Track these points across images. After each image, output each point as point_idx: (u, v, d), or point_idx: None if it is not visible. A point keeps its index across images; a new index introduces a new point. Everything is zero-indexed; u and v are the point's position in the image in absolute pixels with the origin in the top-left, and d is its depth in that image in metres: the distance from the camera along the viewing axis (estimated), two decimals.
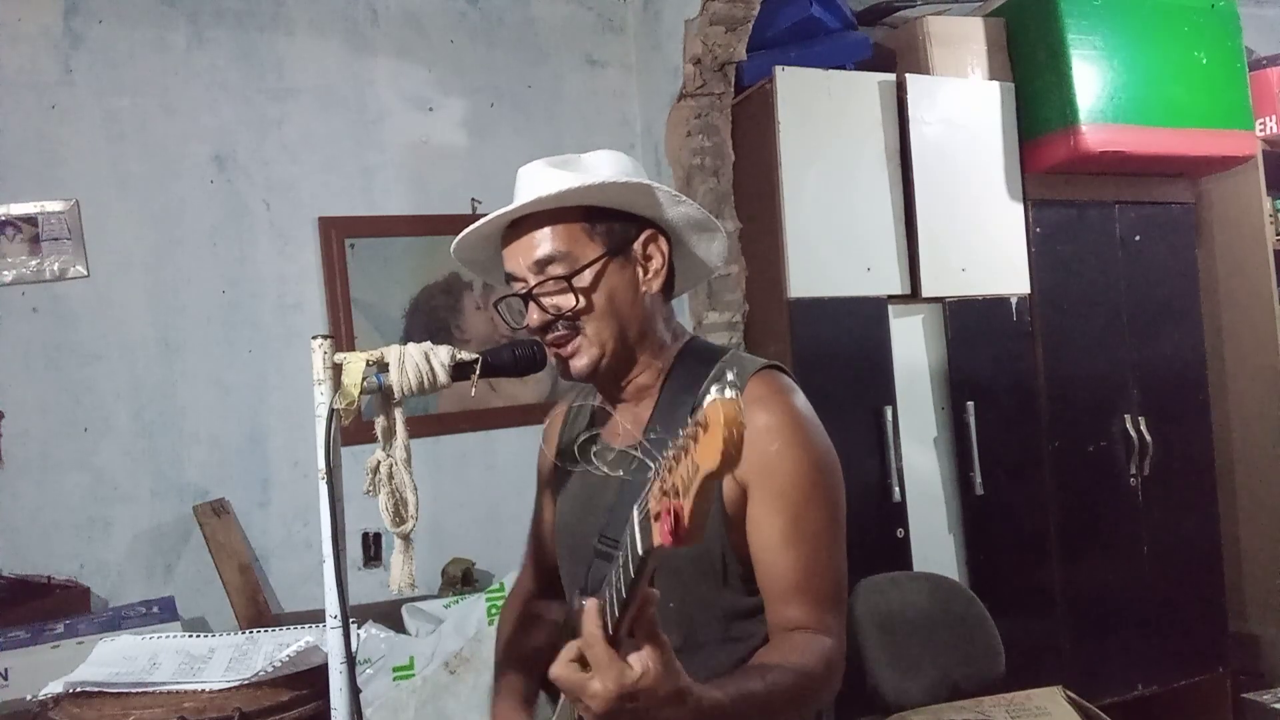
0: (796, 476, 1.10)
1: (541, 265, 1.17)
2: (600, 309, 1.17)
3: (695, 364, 1.22)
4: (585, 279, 1.16)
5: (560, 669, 0.87)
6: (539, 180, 1.17)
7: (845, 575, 1.14)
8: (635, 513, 0.78)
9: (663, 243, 1.22)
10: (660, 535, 0.72)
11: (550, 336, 1.19)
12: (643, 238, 1.20)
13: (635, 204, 1.19)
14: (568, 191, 1.13)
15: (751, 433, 1.11)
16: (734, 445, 0.65)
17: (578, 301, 1.16)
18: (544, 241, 1.17)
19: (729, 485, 1.12)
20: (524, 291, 1.19)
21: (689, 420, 0.70)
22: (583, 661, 0.86)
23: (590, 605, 0.85)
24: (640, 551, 0.77)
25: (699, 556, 1.13)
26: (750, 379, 1.16)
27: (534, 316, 1.19)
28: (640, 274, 1.20)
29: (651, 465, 0.74)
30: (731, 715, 0.93)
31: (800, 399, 1.16)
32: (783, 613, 1.09)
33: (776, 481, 1.10)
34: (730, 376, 0.72)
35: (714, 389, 0.67)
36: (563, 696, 1.08)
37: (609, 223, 1.18)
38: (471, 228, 1.22)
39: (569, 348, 1.19)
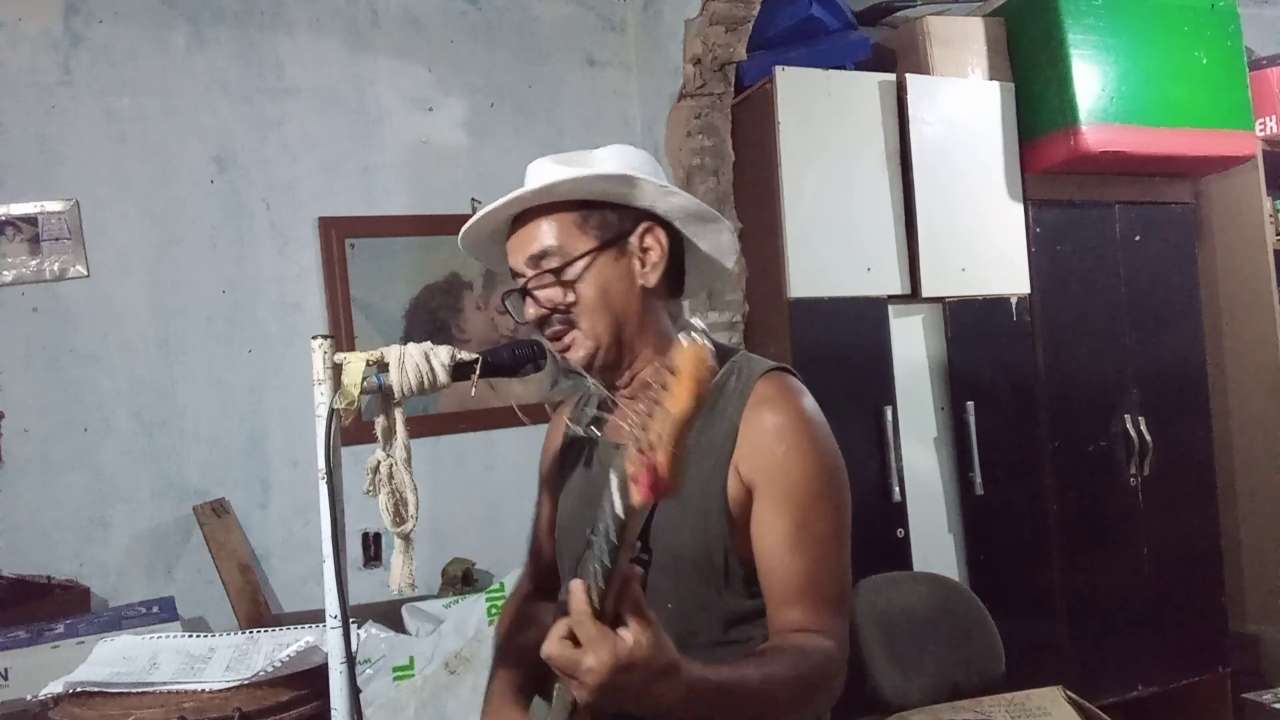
0: (804, 479, 1.09)
1: (536, 260, 1.18)
2: (592, 302, 1.17)
3: None
4: (576, 272, 1.16)
5: (553, 647, 0.86)
6: (539, 177, 1.17)
7: (850, 580, 1.14)
8: (613, 478, 0.77)
9: (661, 235, 1.20)
10: (639, 493, 0.71)
11: (547, 331, 1.20)
12: (639, 230, 1.19)
13: (625, 196, 1.18)
14: (547, 186, 1.14)
15: (759, 433, 1.12)
16: (704, 386, 0.65)
17: (566, 295, 1.17)
18: (539, 236, 1.18)
19: (735, 485, 1.11)
20: (520, 286, 1.20)
21: (658, 370, 0.69)
22: (574, 639, 0.85)
23: (575, 584, 0.85)
24: (621, 515, 0.76)
25: (701, 558, 1.12)
26: (759, 380, 1.15)
27: (529, 311, 1.20)
28: (637, 266, 1.20)
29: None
30: (724, 697, 0.92)
31: (809, 401, 1.16)
32: (785, 615, 1.08)
33: (784, 484, 1.09)
34: (698, 323, 0.73)
35: (680, 335, 0.67)
36: (556, 692, 1.08)
37: (603, 215, 1.18)
38: (469, 223, 1.23)
39: (566, 340, 1.19)
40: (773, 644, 1.08)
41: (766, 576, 1.11)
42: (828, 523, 1.11)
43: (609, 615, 0.83)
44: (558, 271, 1.16)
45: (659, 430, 0.68)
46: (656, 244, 1.20)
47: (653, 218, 1.21)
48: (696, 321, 0.68)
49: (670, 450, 0.68)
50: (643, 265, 1.20)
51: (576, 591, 0.84)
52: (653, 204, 1.20)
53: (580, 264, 1.16)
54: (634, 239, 1.19)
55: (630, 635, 0.83)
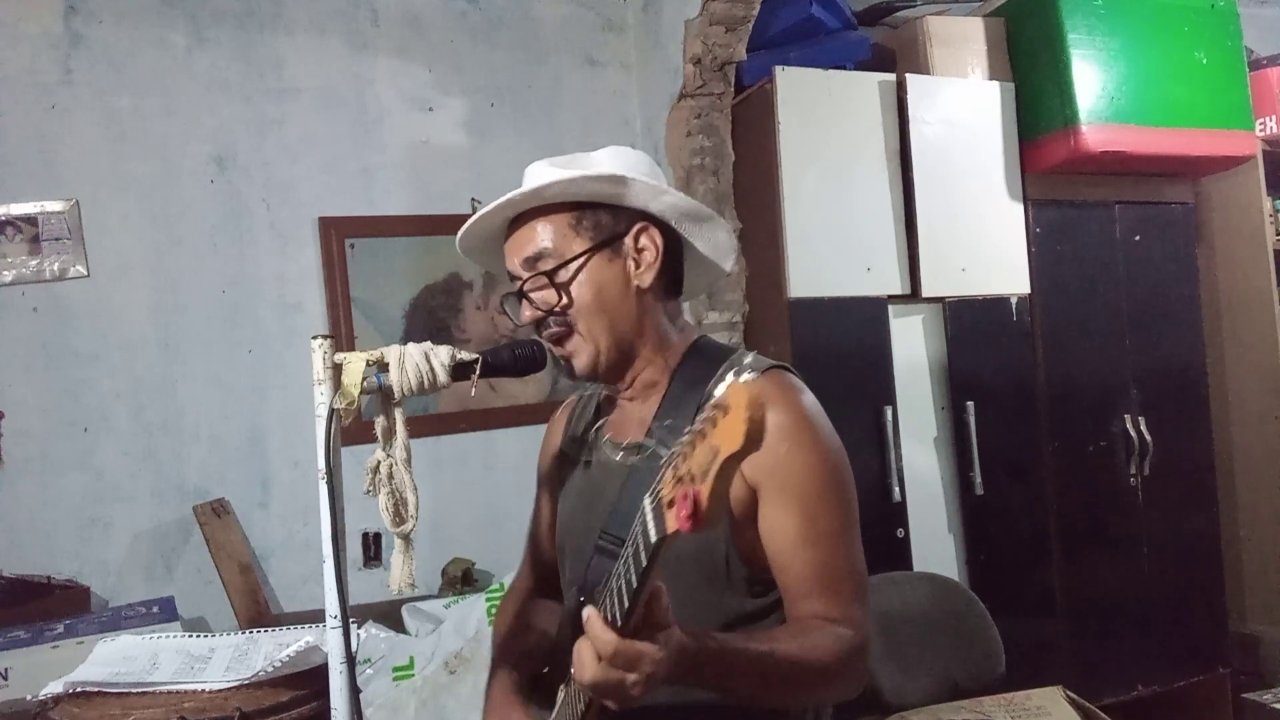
0: (808, 476, 1.10)
1: (531, 262, 1.18)
2: (586, 304, 1.17)
3: (704, 361, 1.21)
4: (568, 274, 1.16)
5: (590, 674, 0.85)
6: (534, 179, 1.17)
7: (864, 570, 1.14)
8: (647, 500, 0.77)
9: (656, 234, 1.20)
10: (676, 521, 0.71)
11: (546, 333, 1.20)
12: (634, 230, 1.19)
13: (617, 196, 1.18)
14: (537, 188, 1.14)
15: None
16: (757, 426, 0.66)
17: (561, 297, 1.17)
18: (533, 239, 1.18)
19: (737, 486, 1.10)
20: (516, 289, 1.20)
21: (703, 407, 0.70)
22: (611, 661, 0.85)
23: (591, 615, 0.85)
24: (654, 539, 0.76)
25: (702, 558, 1.13)
26: (758, 378, 1.15)
27: (525, 314, 1.20)
28: (632, 267, 1.19)
29: (662, 454, 0.74)
30: (728, 663, 0.95)
31: (809, 398, 1.16)
32: (802, 608, 1.09)
33: (788, 482, 1.09)
34: (748, 360, 0.73)
35: (730, 375, 0.67)
36: (561, 697, 1.08)
37: (597, 217, 1.18)
38: (465, 226, 1.23)
39: (568, 346, 1.19)
40: (785, 626, 1.10)
41: (780, 575, 1.11)
42: (836, 517, 1.11)
43: (630, 632, 0.84)
44: (551, 273, 1.16)
45: (704, 464, 0.69)
46: (651, 244, 1.20)
47: (648, 218, 1.21)
48: (749, 359, 0.68)
49: (713, 486, 0.68)
50: (637, 266, 1.19)
51: (595, 622, 0.84)
52: (646, 204, 1.20)
53: (574, 265, 1.16)
54: (628, 240, 1.19)
55: (653, 646, 0.85)
